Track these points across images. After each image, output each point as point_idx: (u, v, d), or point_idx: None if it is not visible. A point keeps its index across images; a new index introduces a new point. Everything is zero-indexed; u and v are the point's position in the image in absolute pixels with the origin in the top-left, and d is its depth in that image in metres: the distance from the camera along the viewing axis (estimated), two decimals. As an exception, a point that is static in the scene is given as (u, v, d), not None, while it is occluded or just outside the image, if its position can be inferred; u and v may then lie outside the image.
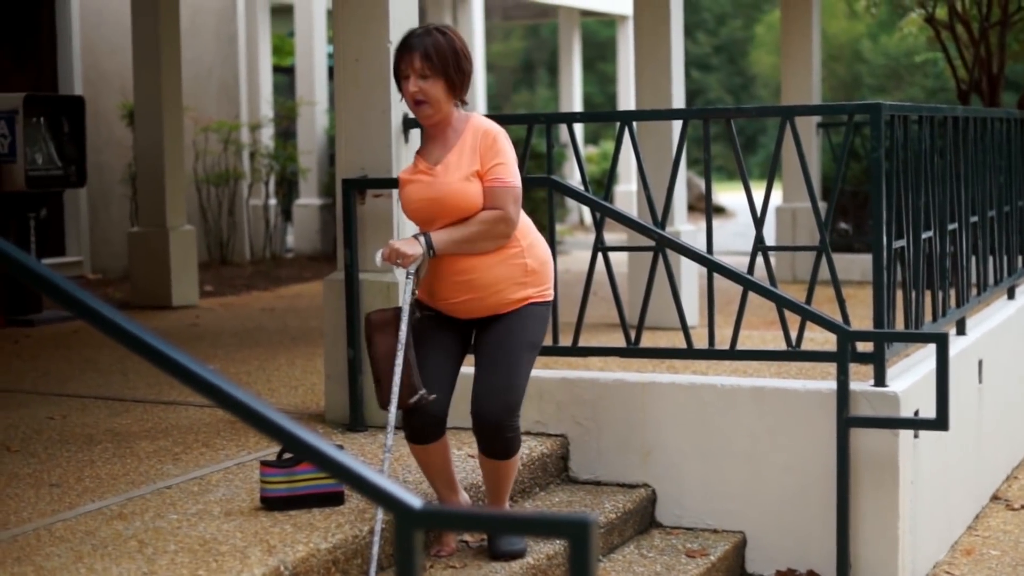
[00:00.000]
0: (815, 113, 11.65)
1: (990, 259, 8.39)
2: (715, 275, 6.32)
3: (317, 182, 17.28)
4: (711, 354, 6.47)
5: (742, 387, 6.27)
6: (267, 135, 16.82)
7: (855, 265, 12.60)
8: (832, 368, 6.23)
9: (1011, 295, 9.03)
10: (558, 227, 14.33)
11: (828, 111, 8.57)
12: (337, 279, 6.65)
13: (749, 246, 6.56)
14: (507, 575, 5.15)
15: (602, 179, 22.26)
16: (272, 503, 5.15)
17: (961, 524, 7.18)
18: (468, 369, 5.42)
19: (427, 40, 5.16)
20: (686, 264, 9.03)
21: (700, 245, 6.51)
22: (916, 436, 6.24)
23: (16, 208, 10.74)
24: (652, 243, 6.44)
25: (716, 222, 10.12)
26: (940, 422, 5.84)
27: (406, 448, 5.95)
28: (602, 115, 8.81)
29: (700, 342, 6.63)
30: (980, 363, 7.54)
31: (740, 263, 6.60)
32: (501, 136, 5.19)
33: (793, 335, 6.35)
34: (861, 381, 6.09)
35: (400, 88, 5.25)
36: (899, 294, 6.48)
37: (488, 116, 5.49)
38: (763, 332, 8.93)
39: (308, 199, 17.40)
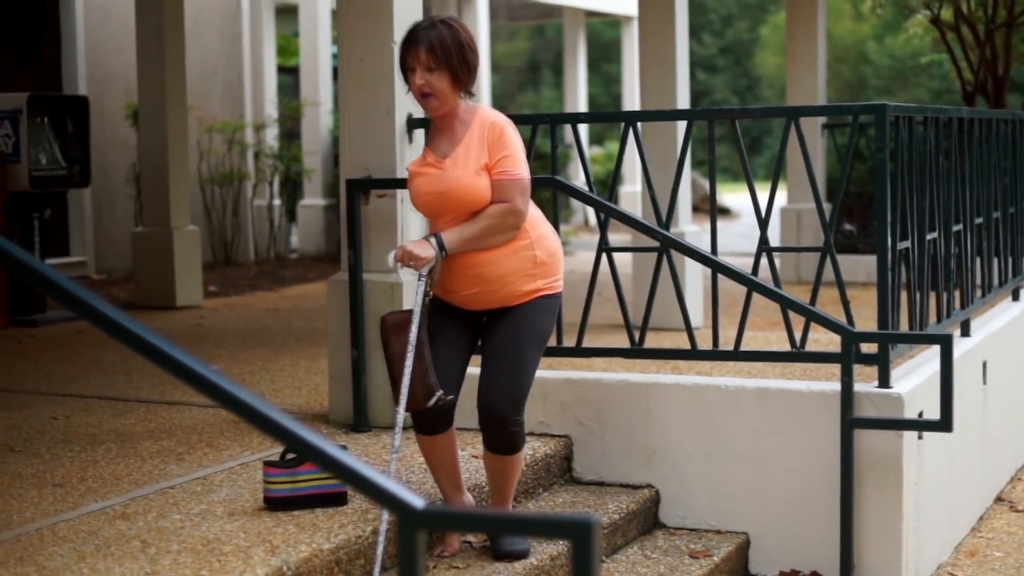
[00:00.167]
0: (820, 114, 11.63)
1: (995, 260, 8.38)
2: (719, 276, 6.31)
3: (321, 182, 17.28)
4: (715, 355, 6.47)
5: (746, 388, 6.26)
6: (271, 135, 16.83)
7: (859, 266, 12.59)
8: (836, 369, 6.23)
9: (1016, 297, 9.02)
10: (562, 228, 14.33)
11: (833, 112, 8.57)
12: (341, 279, 6.64)
13: (753, 247, 6.55)
14: (510, 576, 5.15)
15: (607, 180, 22.26)
16: (275, 503, 5.15)
17: (965, 525, 7.17)
18: (473, 370, 5.42)
19: (432, 33, 5.16)
20: (690, 265, 9.03)
21: (704, 246, 6.51)
22: (920, 437, 6.24)
23: (20, 208, 10.74)
24: (656, 244, 6.43)
25: (720, 223, 10.09)
26: (944, 424, 5.83)
27: (411, 449, 5.96)
28: (607, 116, 8.83)
29: (704, 343, 6.62)
30: (984, 365, 7.53)
31: (744, 264, 6.58)
32: (508, 128, 5.19)
33: (797, 336, 6.34)
34: (865, 382, 6.08)
35: (407, 81, 5.25)
36: (903, 295, 6.47)
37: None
38: (767, 333, 8.92)
39: (312, 199, 17.40)
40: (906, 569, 6.05)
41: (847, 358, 5.93)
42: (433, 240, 5.11)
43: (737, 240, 18.52)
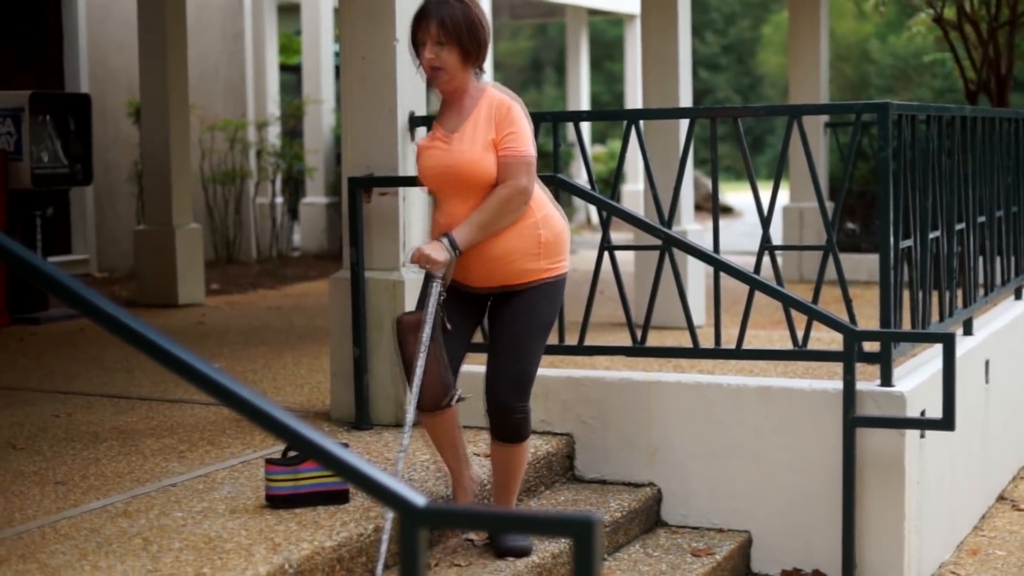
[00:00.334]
0: (823, 112, 11.62)
1: (997, 259, 8.37)
2: (722, 274, 6.31)
3: (323, 181, 17.28)
4: (717, 353, 6.46)
5: (748, 386, 6.25)
6: (274, 133, 16.82)
7: (862, 265, 12.59)
8: (838, 368, 6.22)
9: (1018, 295, 9.01)
10: (565, 226, 14.32)
11: (836, 110, 8.54)
12: (343, 278, 6.64)
13: (756, 246, 6.55)
14: (512, 574, 5.14)
15: (609, 178, 22.26)
16: (277, 501, 5.15)
17: (967, 524, 7.16)
18: (475, 368, 5.42)
19: (443, 8, 5.17)
20: (693, 263, 9.02)
21: (707, 244, 6.50)
22: (922, 436, 6.23)
23: (22, 206, 10.74)
24: (659, 242, 6.43)
25: (723, 221, 10.12)
26: (946, 422, 5.83)
27: (414, 447, 5.95)
28: (609, 114, 8.83)
29: (706, 341, 6.62)
30: (987, 363, 7.52)
31: (747, 263, 6.58)
32: (516, 106, 5.20)
33: (800, 335, 6.34)
34: (867, 381, 6.08)
35: (417, 56, 5.26)
36: (906, 294, 6.47)
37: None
38: (769, 332, 8.92)
39: (314, 198, 17.40)
40: (908, 568, 6.05)
41: (849, 357, 5.92)
42: (446, 241, 5.09)
43: (739, 239, 18.52)
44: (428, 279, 5.16)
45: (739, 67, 46.29)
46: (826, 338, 7.63)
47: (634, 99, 22.35)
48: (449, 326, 5.23)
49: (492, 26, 20.55)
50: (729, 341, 6.51)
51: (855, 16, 31.87)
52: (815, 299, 6.30)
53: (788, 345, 6.54)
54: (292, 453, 5.19)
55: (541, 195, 5.29)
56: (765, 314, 9.42)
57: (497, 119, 5.15)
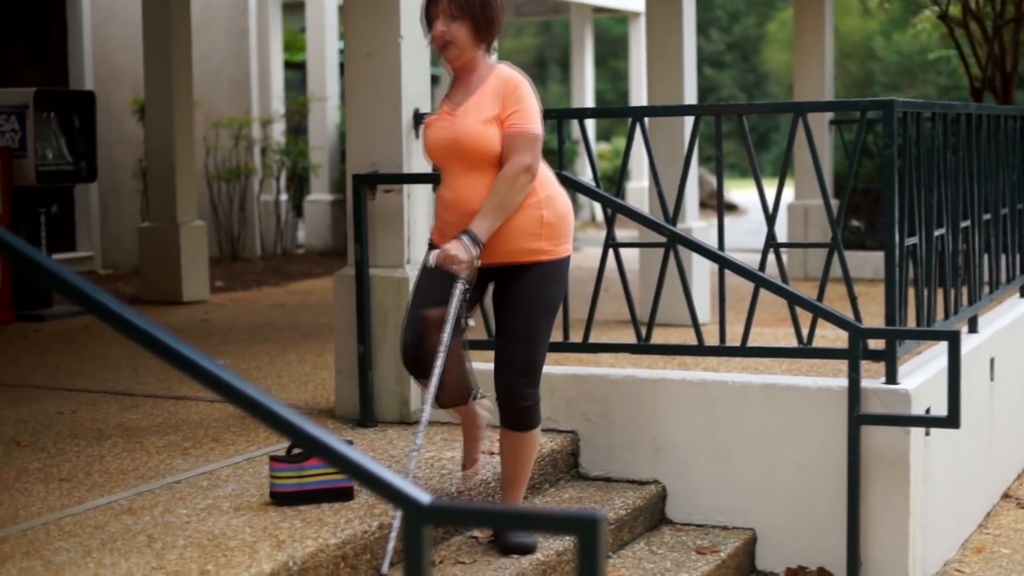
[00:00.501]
0: (828, 109, 11.63)
1: (1003, 257, 8.37)
2: (727, 272, 6.31)
3: (328, 178, 17.27)
4: (722, 351, 6.46)
5: (753, 384, 6.25)
6: (278, 131, 16.82)
7: (867, 262, 12.58)
8: (843, 365, 6.21)
9: (1023, 293, 9.00)
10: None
11: (841, 107, 8.56)
12: (348, 275, 6.64)
13: (761, 243, 6.55)
14: (516, 571, 5.14)
15: (614, 175, 22.24)
16: (281, 498, 5.14)
17: (972, 522, 7.16)
18: (485, 365, 5.41)
19: None
20: (698, 261, 9.02)
21: (712, 242, 6.50)
22: (927, 434, 6.22)
23: (27, 203, 10.74)
24: (664, 239, 6.42)
25: (728, 219, 10.10)
26: (952, 420, 5.82)
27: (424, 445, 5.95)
28: (614, 111, 8.82)
29: (711, 339, 6.62)
30: (992, 361, 7.51)
31: (752, 260, 6.58)
32: (523, 85, 5.20)
33: (804, 332, 6.33)
34: (872, 378, 6.07)
35: (429, 30, 5.26)
36: (911, 291, 6.46)
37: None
38: (774, 329, 8.91)
39: (319, 195, 17.40)
40: (913, 565, 6.05)
41: (854, 354, 5.92)
42: (466, 238, 5.07)
43: (744, 236, 18.50)
44: (452, 279, 5.13)
45: (744, 64, 46.29)
46: (831, 335, 7.62)
47: (639, 96, 22.35)
48: (472, 323, 5.22)
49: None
50: (734, 339, 6.50)
51: (860, 13, 31.85)
52: (820, 296, 6.29)
53: (793, 343, 6.53)
54: (297, 450, 5.19)
55: (546, 176, 5.28)
56: (770, 311, 9.41)
57: (504, 95, 5.15)
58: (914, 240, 6.43)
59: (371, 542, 4.92)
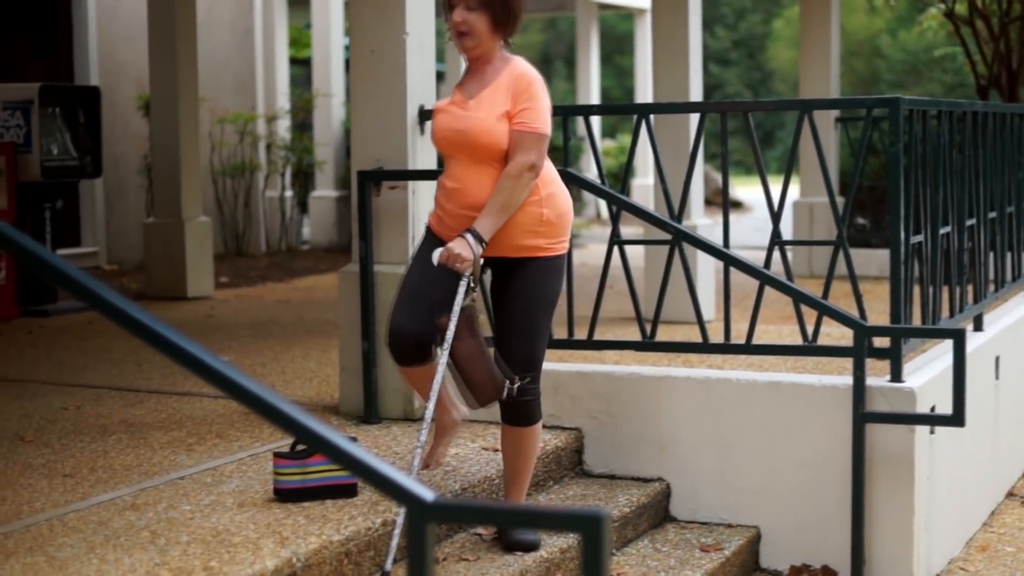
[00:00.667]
0: (834, 107, 11.61)
1: (1008, 255, 8.35)
2: (731, 269, 6.30)
3: (333, 174, 17.27)
4: (727, 348, 6.45)
5: (758, 382, 6.24)
6: (283, 127, 16.81)
7: (872, 260, 12.57)
8: (848, 363, 6.21)
9: (1029, 291, 8.99)
10: (575, 220, 14.34)
11: (847, 105, 8.56)
12: (352, 271, 6.64)
13: (766, 240, 6.53)
14: (520, 568, 5.13)
15: (619, 172, 22.23)
16: (285, 495, 5.14)
17: (976, 520, 7.15)
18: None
19: None
20: (702, 258, 9.01)
21: (717, 239, 6.49)
22: (932, 432, 6.21)
23: (32, 199, 10.74)
24: (668, 237, 6.41)
25: (733, 216, 10.08)
26: (956, 418, 5.81)
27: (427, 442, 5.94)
28: (619, 108, 8.79)
29: (716, 336, 6.60)
30: (997, 359, 7.50)
31: (757, 257, 6.56)
32: (537, 82, 5.18)
33: (809, 330, 6.32)
34: (877, 376, 6.06)
35: (447, 19, 5.25)
36: (916, 289, 6.45)
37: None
38: (779, 327, 8.90)
39: (324, 191, 17.39)
40: (917, 564, 6.04)
41: (859, 352, 5.91)
42: (470, 237, 5.06)
43: (749, 234, 18.49)
44: (456, 277, 5.12)
45: (749, 62, 46.27)
46: (835, 333, 7.62)
47: (644, 93, 22.34)
48: (473, 297, 5.19)
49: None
50: (739, 336, 6.50)
51: (866, 11, 31.83)
52: (825, 294, 6.28)
53: (798, 340, 6.52)
54: (300, 447, 5.19)
55: (549, 174, 5.27)
56: (775, 309, 9.40)
57: (516, 91, 5.14)
58: (920, 238, 6.42)
59: (375, 539, 4.92)
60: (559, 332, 6.68)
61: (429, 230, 5.39)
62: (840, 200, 10.97)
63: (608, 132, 29.33)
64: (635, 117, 6.67)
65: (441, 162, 5.53)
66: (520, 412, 5.27)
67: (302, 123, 17.83)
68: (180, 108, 11.53)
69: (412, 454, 5.14)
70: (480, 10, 5.15)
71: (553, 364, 6.57)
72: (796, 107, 6.48)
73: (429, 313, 5.19)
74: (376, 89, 6.51)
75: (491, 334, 5.54)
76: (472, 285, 5.12)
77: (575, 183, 6.48)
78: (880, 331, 6.02)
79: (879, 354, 6.04)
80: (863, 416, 5.90)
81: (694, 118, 8.74)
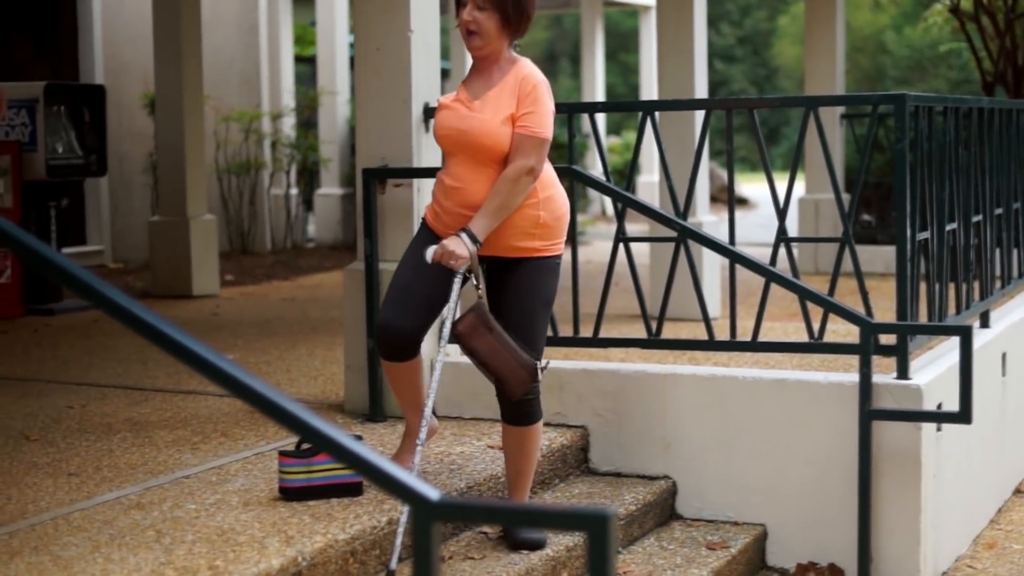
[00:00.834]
0: (839, 103, 11.58)
1: (1014, 251, 8.34)
2: (737, 266, 6.29)
3: (338, 172, 17.26)
4: (732, 346, 6.44)
5: (764, 379, 6.23)
6: (288, 124, 16.81)
7: (878, 257, 12.55)
8: (854, 360, 6.19)
9: (1035, 288, 8.97)
10: (580, 217, 14.31)
11: (852, 101, 8.54)
12: (357, 269, 6.63)
13: (771, 237, 6.52)
14: (526, 567, 5.12)
15: (624, 169, 22.22)
16: (290, 493, 5.13)
17: (983, 518, 7.14)
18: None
19: None
20: (708, 255, 9.00)
21: (722, 236, 6.48)
22: (939, 429, 6.20)
23: (37, 197, 10.74)
24: (674, 234, 6.40)
25: (738, 213, 10.07)
26: (963, 415, 5.80)
27: (433, 443, 5.94)
28: (624, 105, 8.79)
29: (721, 334, 6.60)
30: (1004, 356, 7.49)
31: (762, 254, 6.55)
32: (542, 86, 5.16)
33: (815, 327, 6.31)
34: (884, 374, 6.05)
35: (456, 16, 5.24)
36: (923, 286, 6.44)
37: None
38: (785, 324, 8.89)
39: (329, 189, 17.39)
40: (924, 561, 6.02)
41: (866, 349, 5.89)
42: (465, 236, 5.05)
43: (754, 230, 18.48)
44: (449, 275, 5.11)
45: (755, 58, 46.24)
46: (842, 330, 7.61)
47: (649, 90, 22.32)
48: (481, 291, 5.17)
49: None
50: (744, 333, 6.49)
51: (871, 7, 31.81)
52: (831, 291, 6.27)
53: (804, 337, 6.51)
54: (306, 445, 5.18)
55: (548, 177, 5.26)
56: (780, 306, 9.39)
57: (520, 94, 5.13)
58: (926, 235, 6.40)
59: (380, 537, 4.91)
60: (564, 329, 6.67)
61: (424, 224, 5.38)
62: (846, 197, 10.96)
63: (613, 129, 29.30)
64: (640, 114, 6.66)
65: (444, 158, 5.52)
66: (521, 411, 5.25)
67: (307, 121, 17.83)
68: (185, 106, 11.52)
69: (414, 452, 5.13)
70: (490, 10, 5.13)
71: (558, 362, 6.56)
72: (802, 104, 6.47)
73: (419, 309, 5.20)
74: (381, 87, 6.51)
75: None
76: (477, 283, 5.11)
77: (581, 180, 6.47)
78: (886, 328, 6.01)
79: (886, 351, 6.02)
80: (869, 413, 5.89)
81: (699, 115, 8.73)
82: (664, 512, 6.29)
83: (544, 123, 5.12)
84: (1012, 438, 7.70)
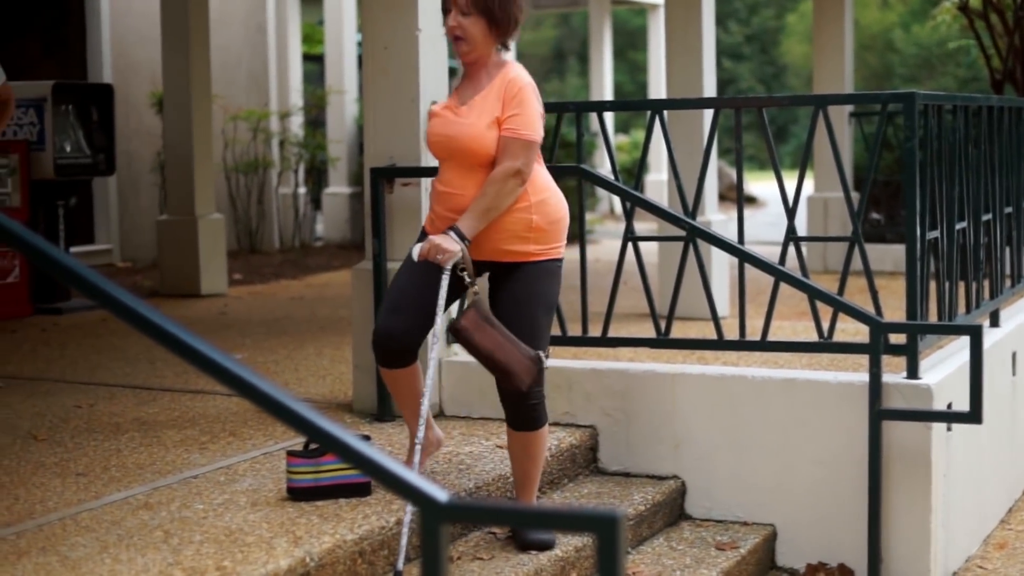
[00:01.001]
0: (849, 102, 11.54)
1: (1024, 250, 8.31)
2: (746, 265, 6.27)
3: (346, 171, 17.26)
4: (742, 345, 6.42)
5: (773, 379, 6.21)
6: (296, 123, 16.82)
7: (887, 256, 12.53)
8: (864, 360, 6.17)
9: (1045, 286, 8.94)
10: (588, 216, 14.28)
11: (862, 100, 8.51)
12: (365, 268, 6.62)
13: (780, 236, 6.50)
14: (535, 567, 5.11)
15: (633, 168, 22.20)
16: (298, 493, 5.12)
17: (994, 518, 7.11)
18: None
19: None
20: (717, 254, 8.98)
21: (731, 235, 6.47)
22: (949, 429, 6.18)
23: (45, 196, 10.75)
24: (683, 233, 6.38)
25: (747, 211, 10.02)
26: (974, 415, 5.78)
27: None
28: (633, 104, 8.78)
29: (731, 333, 6.58)
30: (1014, 355, 7.47)
31: (771, 253, 6.54)
32: (527, 88, 5.14)
33: (825, 326, 6.29)
34: (893, 373, 6.03)
35: (444, 19, 5.23)
36: (932, 285, 6.42)
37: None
38: (794, 323, 8.87)
39: (337, 188, 17.39)
40: (934, 562, 6.00)
41: (875, 349, 5.87)
42: (453, 234, 5.05)
43: (763, 228, 18.46)
44: (438, 271, 5.09)
45: (762, 56, 46.20)
46: (851, 329, 7.59)
47: (658, 88, 22.31)
48: (476, 290, 5.16)
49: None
50: (753, 333, 6.47)
51: (879, 5, 31.76)
52: (841, 290, 6.25)
53: (813, 337, 6.50)
54: (313, 445, 5.17)
55: (541, 180, 5.23)
56: (789, 305, 9.37)
57: (506, 97, 5.11)
58: (935, 234, 6.38)
59: (388, 538, 4.90)
60: (573, 329, 6.66)
61: (424, 233, 5.36)
62: (855, 195, 10.93)
63: (621, 127, 29.30)
64: (649, 113, 6.64)
65: None
66: (527, 417, 5.23)
67: (315, 120, 17.84)
68: (193, 105, 11.52)
69: (413, 452, 5.12)
70: (475, 16, 5.11)
71: (567, 361, 6.55)
72: (812, 102, 6.45)
73: (415, 315, 5.18)
74: (389, 86, 6.50)
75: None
76: (469, 279, 5.10)
77: (589, 179, 6.45)
78: (896, 327, 5.99)
79: (895, 351, 6.00)
80: (879, 413, 5.87)
81: (708, 113, 8.71)
82: (673, 512, 6.27)
83: (530, 125, 5.10)
84: (1022, 438, 7.67)
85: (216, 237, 11.75)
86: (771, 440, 6.19)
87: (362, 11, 6.68)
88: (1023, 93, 12.66)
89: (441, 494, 2.35)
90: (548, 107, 5.56)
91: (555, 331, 6.49)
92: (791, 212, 6.31)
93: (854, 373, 6.24)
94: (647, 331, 6.83)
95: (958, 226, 6.73)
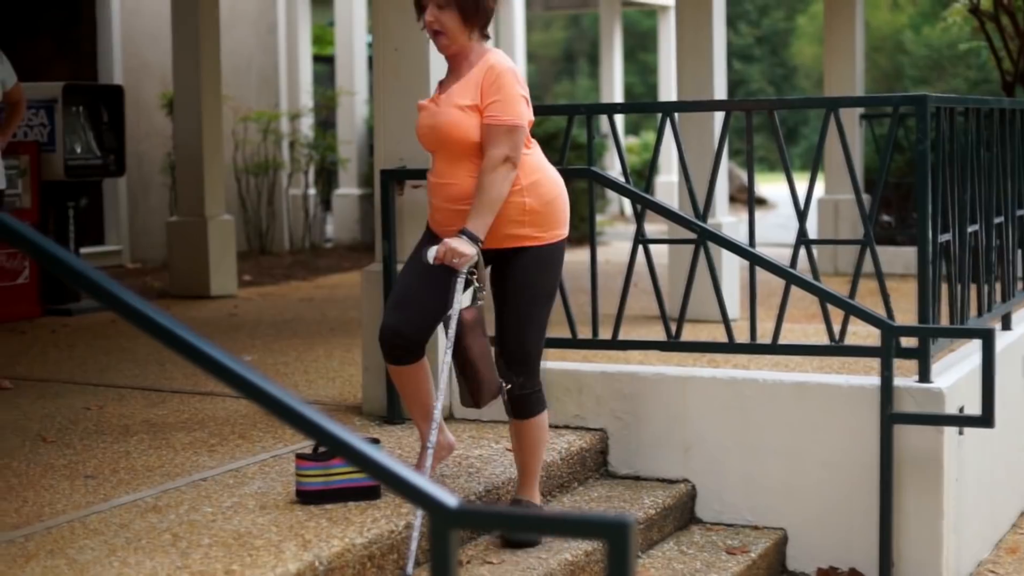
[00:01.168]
0: (861, 104, 11.52)
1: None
2: (757, 268, 6.25)
3: (357, 172, 17.26)
4: (752, 348, 6.40)
5: (784, 382, 6.19)
6: (307, 125, 16.81)
7: (898, 258, 12.50)
8: (875, 363, 6.15)
9: (1057, 290, 8.91)
10: (598, 218, 14.27)
11: (873, 103, 8.49)
12: (375, 270, 6.60)
13: (791, 238, 6.48)
14: (545, 571, 5.09)
15: (643, 170, 22.16)
16: (307, 497, 5.10)
17: (1006, 522, 7.09)
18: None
19: None
20: (728, 256, 8.96)
21: (742, 237, 6.45)
22: (961, 433, 6.15)
23: (55, 197, 10.75)
24: (693, 235, 6.36)
25: (758, 214, 9.94)
26: (986, 419, 5.75)
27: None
28: (643, 106, 8.76)
29: (741, 336, 6.55)
30: (1026, 359, 7.44)
31: (782, 255, 6.52)
32: (507, 73, 5.13)
33: (836, 329, 6.26)
34: (905, 377, 6.01)
35: (419, 16, 5.24)
36: (944, 288, 6.39)
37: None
38: (805, 326, 8.84)
39: (348, 189, 17.39)
40: (946, 566, 5.98)
41: (887, 352, 5.85)
42: (465, 237, 5.04)
43: (774, 231, 18.42)
44: (453, 274, 5.09)
45: (773, 58, 46.16)
46: (862, 332, 7.56)
47: (668, 90, 22.28)
48: (481, 300, 5.16)
49: (524, 16, 20.49)
50: (764, 336, 6.45)
51: (889, 7, 31.73)
52: (852, 293, 6.23)
53: (824, 340, 6.47)
54: (323, 448, 5.15)
55: (533, 161, 5.22)
56: (800, 307, 9.34)
57: (484, 84, 5.12)
58: (947, 236, 6.36)
59: (398, 542, 4.88)
60: (583, 332, 6.64)
61: (428, 228, 5.39)
62: (866, 198, 10.89)
63: (632, 129, 29.27)
64: (659, 115, 6.62)
65: None
66: (516, 405, 5.29)
67: (325, 121, 17.83)
68: (203, 106, 11.52)
69: (424, 455, 5.10)
70: (449, 8, 5.13)
71: (577, 364, 6.53)
72: (823, 105, 6.43)
73: (421, 311, 5.20)
74: (399, 87, 6.48)
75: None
76: (480, 286, 5.10)
77: (599, 181, 6.44)
78: (908, 331, 5.97)
79: (907, 354, 5.98)
80: (891, 417, 5.85)
81: (718, 115, 8.69)
82: (683, 516, 6.25)
83: (511, 110, 5.09)
84: (1034, 441, 7.64)
85: (226, 238, 11.74)
86: (782, 443, 6.16)
87: (373, 12, 6.68)
88: (1034, 95, 12.62)
89: (451, 499, 2.33)
90: (559, 109, 5.55)
91: (565, 334, 6.48)
92: (802, 215, 6.29)
93: (865, 376, 6.22)
94: (658, 334, 6.82)
95: (970, 229, 6.70)
